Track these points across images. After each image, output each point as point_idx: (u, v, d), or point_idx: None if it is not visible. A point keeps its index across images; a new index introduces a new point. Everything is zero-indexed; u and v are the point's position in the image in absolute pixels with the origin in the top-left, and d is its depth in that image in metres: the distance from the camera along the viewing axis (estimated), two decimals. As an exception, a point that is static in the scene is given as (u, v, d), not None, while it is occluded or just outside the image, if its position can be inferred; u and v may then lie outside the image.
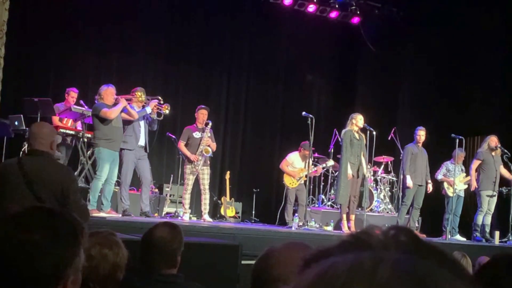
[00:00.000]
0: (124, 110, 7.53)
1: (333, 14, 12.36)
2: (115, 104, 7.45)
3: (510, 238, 9.21)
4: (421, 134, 9.11)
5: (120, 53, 10.91)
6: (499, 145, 9.18)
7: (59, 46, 10.18)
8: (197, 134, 8.57)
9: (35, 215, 1.44)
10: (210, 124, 8.69)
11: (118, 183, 8.03)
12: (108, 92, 7.44)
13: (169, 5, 11.39)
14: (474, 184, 9.22)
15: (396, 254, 0.50)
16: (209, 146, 8.52)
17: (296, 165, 9.41)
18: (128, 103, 7.70)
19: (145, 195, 8.01)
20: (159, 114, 8.13)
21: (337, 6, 12.21)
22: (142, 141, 7.92)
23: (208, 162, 8.69)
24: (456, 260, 0.55)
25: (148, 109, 7.91)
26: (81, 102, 8.77)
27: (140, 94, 7.80)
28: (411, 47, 12.19)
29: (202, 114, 8.66)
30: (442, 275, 0.50)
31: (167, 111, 8.13)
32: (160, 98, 8.16)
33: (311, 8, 12.11)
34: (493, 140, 9.19)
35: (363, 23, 12.57)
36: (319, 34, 12.46)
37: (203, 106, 8.82)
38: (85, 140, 8.26)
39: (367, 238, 0.55)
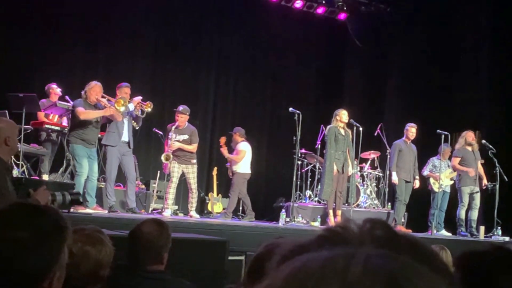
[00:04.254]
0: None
1: (320, 10, 12.38)
2: (95, 105, 7.46)
3: (495, 233, 9.29)
4: (412, 130, 9.18)
5: (107, 49, 10.85)
6: (482, 141, 9.25)
7: (45, 42, 10.09)
8: (172, 136, 8.52)
9: (20, 212, 1.44)
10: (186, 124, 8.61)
11: (104, 179, 8.01)
12: (92, 91, 7.42)
13: (156, 1, 11.34)
14: (464, 169, 9.21)
15: (369, 250, 0.50)
16: (171, 151, 8.43)
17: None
18: (113, 99, 7.70)
19: (130, 191, 7.98)
20: (141, 112, 8.09)
21: (324, 2, 12.22)
22: (125, 136, 7.87)
23: (193, 161, 8.63)
24: (435, 254, 0.55)
25: (131, 106, 7.85)
26: (67, 97, 8.71)
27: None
28: (398, 43, 12.24)
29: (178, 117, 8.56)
30: (417, 270, 0.49)
31: (149, 109, 8.08)
32: (141, 97, 8.10)
33: (298, 3, 12.11)
34: (469, 136, 9.27)
35: (350, 19, 12.60)
36: (306, 29, 12.47)
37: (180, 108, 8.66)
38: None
39: (343, 233, 0.55)
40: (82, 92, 7.51)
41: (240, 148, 9.21)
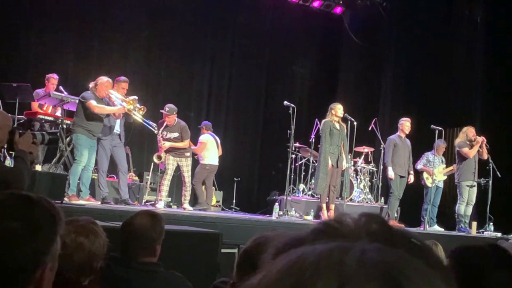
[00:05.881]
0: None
1: (316, 4, 12.37)
2: (102, 99, 7.52)
3: (487, 228, 9.34)
4: (407, 124, 9.17)
5: (101, 38, 10.81)
6: (476, 136, 9.28)
7: (39, 31, 10.05)
8: (163, 133, 8.55)
9: (12, 202, 1.43)
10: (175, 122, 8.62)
11: (96, 170, 8.03)
12: (103, 86, 7.51)
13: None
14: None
15: (365, 244, 0.50)
16: (159, 152, 8.49)
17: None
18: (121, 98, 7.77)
19: (123, 182, 7.99)
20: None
21: (320, -5, 12.22)
22: (117, 129, 7.92)
23: (187, 154, 8.65)
24: (429, 248, 0.55)
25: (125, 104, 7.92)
26: (61, 88, 8.68)
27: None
28: (393, 38, 12.24)
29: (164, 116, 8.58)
30: (412, 264, 0.49)
31: (142, 113, 8.11)
32: (137, 97, 8.14)
33: (294, -3, 12.10)
34: (470, 132, 9.30)
35: (345, 13, 12.59)
36: (302, 23, 12.45)
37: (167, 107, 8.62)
38: (64, 126, 8.19)
39: (339, 226, 0.55)
40: (92, 85, 7.54)
41: (200, 139, 9.35)
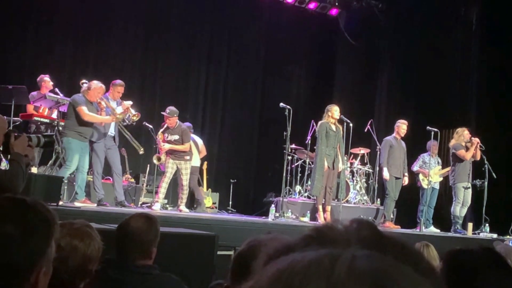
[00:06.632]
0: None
1: (312, 5, 12.38)
2: (90, 102, 7.52)
3: (483, 230, 9.36)
4: (403, 127, 9.19)
5: (97, 39, 10.80)
6: (472, 138, 9.30)
7: (35, 32, 10.03)
8: (164, 135, 8.58)
9: (7, 206, 1.43)
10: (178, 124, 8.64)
11: (91, 173, 8.03)
12: (96, 91, 7.50)
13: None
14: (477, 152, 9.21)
15: (355, 251, 0.50)
16: (159, 154, 8.51)
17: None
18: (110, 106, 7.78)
19: (117, 184, 7.99)
20: (128, 117, 8.13)
21: (316, -3, 12.23)
22: (111, 130, 7.91)
23: (187, 158, 8.65)
24: (420, 255, 0.55)
25: (119, 109, 7.93)
26: (56, 90, 8.66)
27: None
28: (389, 40, 12.26)
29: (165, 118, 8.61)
30: (402, 271, 0.49)
31: (135, 118, 8.10)
32: (132, 102, 8.15)
33: (290, -2, 12.11)
34: (467, 134, 9.32)
35: (341, 14, 12.61)
36: (298, 24, 12.46)
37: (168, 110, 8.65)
38: (60, 129, 8.18)
39: (330, 233, 0.55)
40: (85, 88, 7.52)
41: None
